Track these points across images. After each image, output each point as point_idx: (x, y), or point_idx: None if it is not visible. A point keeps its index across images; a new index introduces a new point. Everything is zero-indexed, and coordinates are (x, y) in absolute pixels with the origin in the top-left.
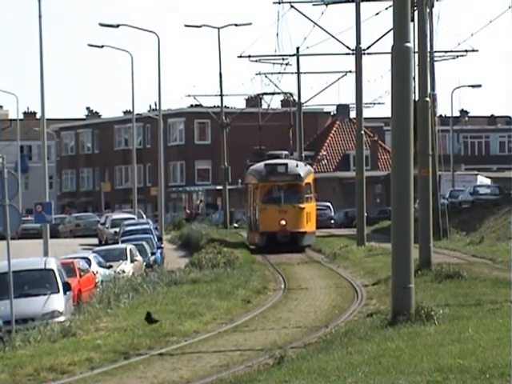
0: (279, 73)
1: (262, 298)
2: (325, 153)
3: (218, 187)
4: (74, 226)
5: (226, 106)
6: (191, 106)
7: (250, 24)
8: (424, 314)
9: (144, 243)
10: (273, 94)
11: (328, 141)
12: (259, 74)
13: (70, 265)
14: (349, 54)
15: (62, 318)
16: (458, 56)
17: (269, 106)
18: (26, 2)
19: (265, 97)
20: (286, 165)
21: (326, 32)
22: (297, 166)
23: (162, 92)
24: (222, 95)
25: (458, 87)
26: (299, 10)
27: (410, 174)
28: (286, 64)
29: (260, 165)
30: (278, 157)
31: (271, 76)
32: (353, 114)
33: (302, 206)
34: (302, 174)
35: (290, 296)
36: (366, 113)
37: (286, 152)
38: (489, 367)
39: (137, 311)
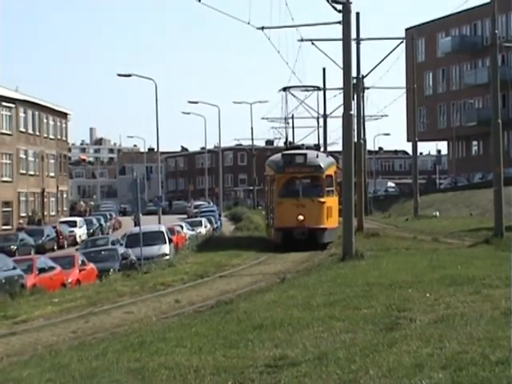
0: (284, 127)
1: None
2: None
3: (250, 187)
4: (174, 208)
5: (254, 145)
6: (236, 145)
7: (267, 102)
8: (359, 254)
9: (211, 217)
10: (279, 138)
11: None
12: (273, 128)
13: (172, 229)
14: (319, 117)
15: (167, 257)
16: (377, 118)
17: (277, 144)
18: (147, 87)
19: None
20: (304, 155)
21: (309, 106)
22: (317, 156)
23: (221, 137)
24: (252, 139)
25: (378, 135)
26: (294, 95)
27: (352, 181)
28: (287, 122)
29: (278, 155)
30: (298, 148)
31: (279, 128)
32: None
33: (321, 200)
34: (322, 165)
35: None
36: (329, 148)
37: (311, 145)
38: (393, 282)
39: (207, 254)
